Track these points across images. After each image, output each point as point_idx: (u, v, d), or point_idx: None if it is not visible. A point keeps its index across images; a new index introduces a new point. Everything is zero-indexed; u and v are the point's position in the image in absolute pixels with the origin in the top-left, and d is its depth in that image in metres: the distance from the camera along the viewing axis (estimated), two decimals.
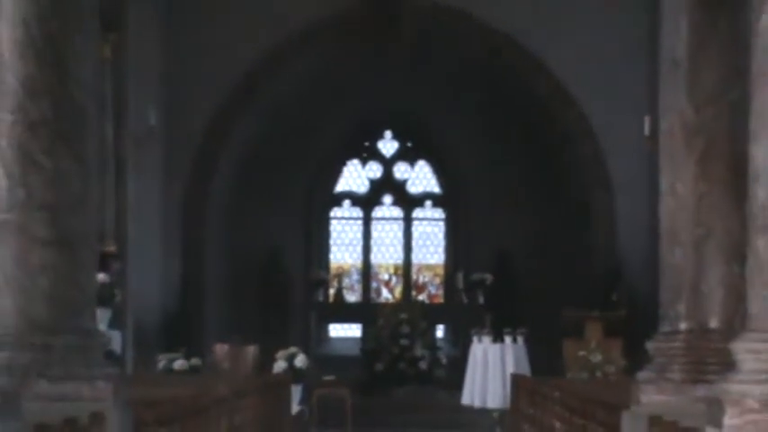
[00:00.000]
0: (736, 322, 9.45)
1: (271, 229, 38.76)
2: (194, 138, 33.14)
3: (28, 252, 10.54)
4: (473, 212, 40.76)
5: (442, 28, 33.88)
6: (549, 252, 37.77)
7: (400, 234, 42.77)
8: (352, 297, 42.61)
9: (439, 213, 42.58)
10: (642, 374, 11.77)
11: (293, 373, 29.31)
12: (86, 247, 11.49)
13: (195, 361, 27.61)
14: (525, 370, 28.24)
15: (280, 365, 29.43)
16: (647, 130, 26.58)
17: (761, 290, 8.27)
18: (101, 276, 15.27)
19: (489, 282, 39.51)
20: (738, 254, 9.66)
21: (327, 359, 37.80)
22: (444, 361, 38.09)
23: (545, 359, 28.97)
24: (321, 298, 41.60)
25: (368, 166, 42.33)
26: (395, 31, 34.02)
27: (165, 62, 31.10)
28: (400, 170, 42.36)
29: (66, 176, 10.83)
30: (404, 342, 38.44)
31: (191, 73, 31.91)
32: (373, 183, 42.37)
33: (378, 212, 42.63)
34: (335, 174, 41.94)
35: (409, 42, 34.82)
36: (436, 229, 42.70)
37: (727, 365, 8.66)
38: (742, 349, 8.44)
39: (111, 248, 22.56)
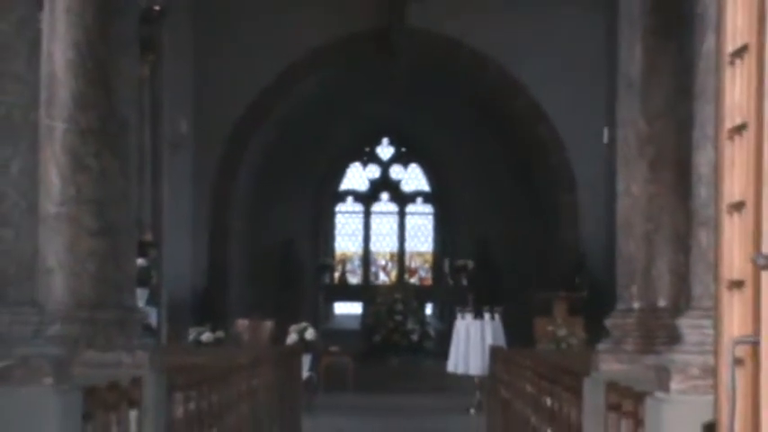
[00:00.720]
0: (681, 302, 9.48)
1: (285, 222, 38.72)
2: (219, 144, 33.17)
3: (77, 240, 10.49)
4: (458, 208, 40.72)
5: (433, 51, 33.87)
6: (522, 242, 37.74)
7: (395, 226, 42.71)
8: (353, 280, 42.58)
9: (428, 209, 42.53)
10: (601, 346, 11.77)
11: (304, 345, 29.32)
12: (127, 235, 11.53)
13: (219, 334, 27.62)
14: (501, 342, 28.28)
15: (292, 338, 29.46)
16: (605, 140, 26.61)
17: (702, 275, 8.31)
18: (139, 261, 15.28)
19: (471, 267, 39.40)
20: (683, 245, 9.68)
21: (333, 332, 37.80)
22: (432, 334, 38.19)
23: (518, 333, 28.97)
24: (327, 280, 41.67)
25: (368, 168, 42.28)
26: (393, 55, 34.01)
27: (194, 79, 31.10)
28: (395, 171, 42.32)
29: (110, 176, 10.86)
30: (398, 318, 38.57)
31: (216, 89, 31.91)
32: (372, 182, 42.34)
33: (376, 207, 42.59)
34: (340, 174, 41.91)
35: (405, 63, 34.80)
36: (426, 222, 42.65)
37: (673, 339, 8.68)
38: (686, 325, 8.48)
39: (149, 237, 22.59)
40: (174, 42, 26.15)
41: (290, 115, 36.15)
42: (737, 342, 5.49)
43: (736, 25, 5.64)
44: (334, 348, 35.16)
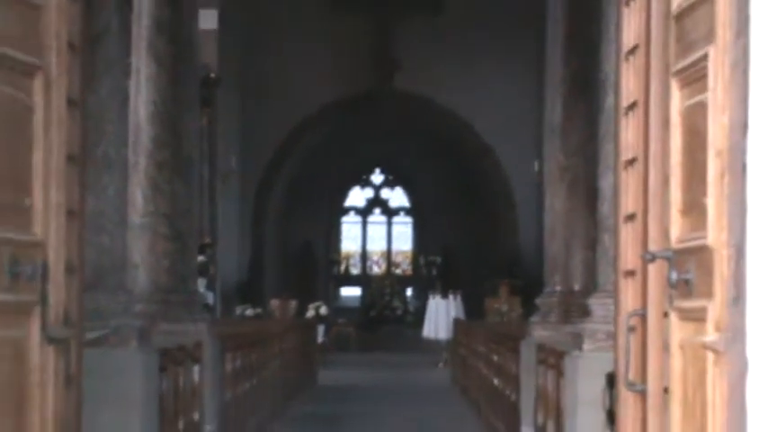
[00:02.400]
0: (591, 286, 9.50)
1: (305, 229, 38.84)
2: (258, 174, 33.26)
3: (155, 243, 10.48)
4: (430, 219, 40.87)
5: (411, 106, 33.88)
6: (476, 244, 37.79)
7: (384, 232, 42.86)
8: (355, 271, 42.68)
9: (408, 219, 42.65)
10: (533, 318, 11.77)
11: (318, 318, 29.40)
12: (191, 239, 11.55)
13: (258, 310, 27.67)
14: (461, 315, 28.32)
15: (310, 313, 29.53)
16: (536, 169, 26.62)
17: (605, 267, 8.32)
18: (200, 258, 15.29)
19: (439, 262, 39.71)
20: (592, 245, 9.68)
21: (339, 309, 37.84)
22: (412, 310, 38.42)
23: (473, 309, 28.98)
24: (336, 272, 41.86)
25: (364, 190, 42.48)
26: (383, 108, 34.06)
27: (240, 128, 31.12)
28: (384, 193, 42.52)
29: (178, 196, 10.87)
30: (387, 299, 38.94)
31: (255, 134, 31.96)
32: (368, 201, 42.55)
33: (370, 219, 42.73)
34: (344, 195, 42.04)
35: (391, 114, 34.88)
36: (407, 230, 42.75)
37: (585, 313, 8.69)
38: (594, 303, 8.48)
39: (207, 240, 22.57)
40: (224, 100, 26.15)
41: (308, 152, 36.23)
42: (630, 314, 5.50)
43: (629, 88, 5.65)
44: (340, 320, 35.39)
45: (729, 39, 4.25)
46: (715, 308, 4.33)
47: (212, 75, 23.28)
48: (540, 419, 9.95)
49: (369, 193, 42.64)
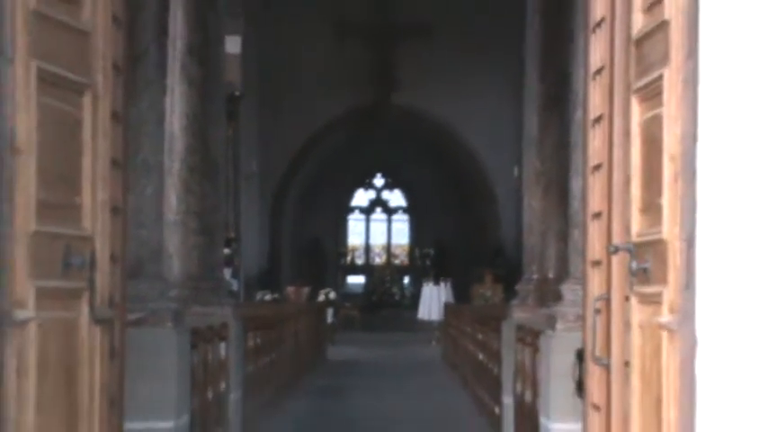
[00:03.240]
0: (563, 275, 9.50)
1: (316, 226, 38.83)
2: (275, 177, 33.20)
3: (187, 237, 10.46)
4: (424, 217, 40.87)
5: (408, 118, 33.86)
6: (464, 238, 37.81)
7: (385, 228, 42.85)
8: (359, 261, 42.68)
9: (406, 217, 42.68)
10: (513, 302, 11.75)
11: (328, 302, 29.40)
12: (218, 233, 11.54)
13: (276, 295, 27.65)
14: (451, 300, 28.31)
15: (321, 298, 29.53)
16: (515, 174, 26.62)
17: (575, 258, 8.31)
18: (226, 250, 15.29)
19: (432, 254, 39.67)
20: (564, 239, 9.68)
21: (346, 295, 37.93)
22: (408, 295, 38.36)
23: (461, 294, 28.97)
24: (343, 262, 41.82)
25: (367, 192, 42.49)
26: (383, 120, 34.04)
27: (260, 136, 31.07)
28: (385, 194, 42.53)
29: (207, 196, 10.87)
30: (387, 285, 39.00)
31: (273, 143, 31.91)
32: (370, 201, 42.57)
33: (373, 217, 42.76)
34: (350, 196, 42.05)
35: (390, 126, 34.86)
36: (404, 226, 42.78)
37: (558, 297, 8.69)
38: (566, 289, 8.47)
39: (232, 235, 22.56)
40: (246, 113, 26.14)
41: (319, 158, 36.22)
42: (597, 299, 5.50)
43: (595, 103, 5.65)
44: (347, 304, 35.47)
45: (681, 61, 4.26)
46: (669, 293, 4.35)
47: (236, 92, 23.28)
48: (519, 389, 9.95)
49: (371, 194, 42.70)
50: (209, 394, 9.41)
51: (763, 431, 3.96)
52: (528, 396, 9.30)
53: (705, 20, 4.14)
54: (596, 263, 5.58)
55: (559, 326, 8.11)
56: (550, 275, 10.57)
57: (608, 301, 5.23)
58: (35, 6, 4.44)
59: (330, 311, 29.47)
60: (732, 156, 4.03)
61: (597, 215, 5.58)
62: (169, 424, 7.58)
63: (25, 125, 4.38)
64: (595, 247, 5.62)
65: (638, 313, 4.79)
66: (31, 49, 4.42)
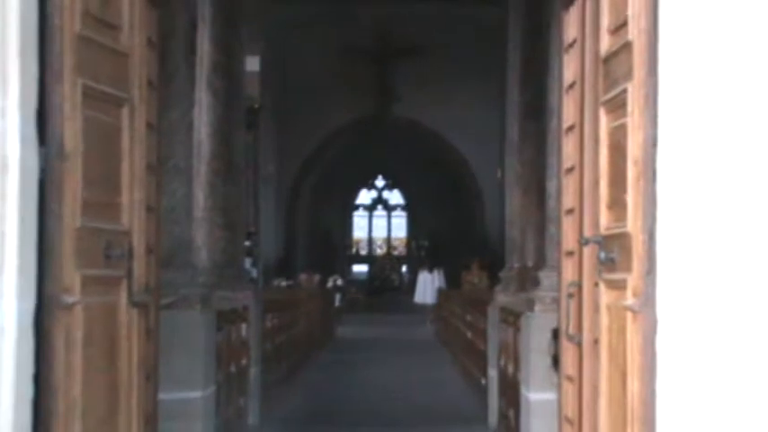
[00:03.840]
0: (541, 263, 9.50)
1: (326, 220, 38.88)
2: (290, 178, 33.24)
3: (213, 231, 10.42)
4: (419, 213, 40.93)
5: (405, 126, 33.85)
6: (455, 232, 37.80)
7: (385, 224, 42.87)
8: (363, 252, 42.70)
9: (403, 214, 42.71)
10: (497, 287, 11.75)
11: (336, 288, 29.46)
12: (240, 228, 11.54)
13: (290, 282, 27.69)
14: (443, 286, 28.34)
15: (330, 284, 29.56)
16: (499, 175, 26.63)
17: (551, 248, 8.31)
18: (247, 242, 15.31)
19: (426, 245, 39.67)
20: (541, 232, 9.67)
21: (352, 281, 37.97)
22: (406, 282, 38.35)
23: (452, 281, 29.02)
24: (349, 253, 41.83)
25: (370, 192, 42.53)
26: (383, 129, 34.04)
27: (276, 143, 31.05)
28: (385, 194, 42.56)
29: (231, 195, 10.86)
30: (387, 273, 39.01)
31: (288, 149, 31.94)
32: (373, 200, 42.64)
33: (375, 213, 42.76)
34: (355, 195, 42.07)
35: (390, 134, 34.85)
36: (402, 221, 42.81)
37: (536, 283, 8.69)
38: (543, 276, 8.45)
39: (252, 229, 22.53)
40: (265, 123, 26.09)
41: (327, 162, 36.24)
42: (570, 285, 5.51)
43: (568, 114, 5.66)
44: (352, 290, 35.41)
45: (643, 77, 4.27)
46: (632, 279, 4.35)
47: (255, 105, 23.25)
48: (502, 363, 9.96)
49: (373, 193, 42.75)
50: (233, 368, 9.41)
51: (715, 400, 3.97)
52: (510, 369, 9.31)
53: (664, 41, 4.15)
54: (569, 253, 5.58)
55: (537, 308, 8.10)
56: (529, 264, 10.57)
57: (580, 286, 5.24)
58: (80, 31, 4.44)
59: (338, 296, 29.54)
60: (687, 159, 4.04)
61: (570, 211, 5.58)
62: (198, 394, 7.59)
63: (72, 134, 4.39)
64: (569, 240, 5.62)
65: (605, 297, 4.79)
66: (77, 68, 4.42)
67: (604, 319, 4.80)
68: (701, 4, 3.99)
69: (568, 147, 5.63)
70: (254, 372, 10.66)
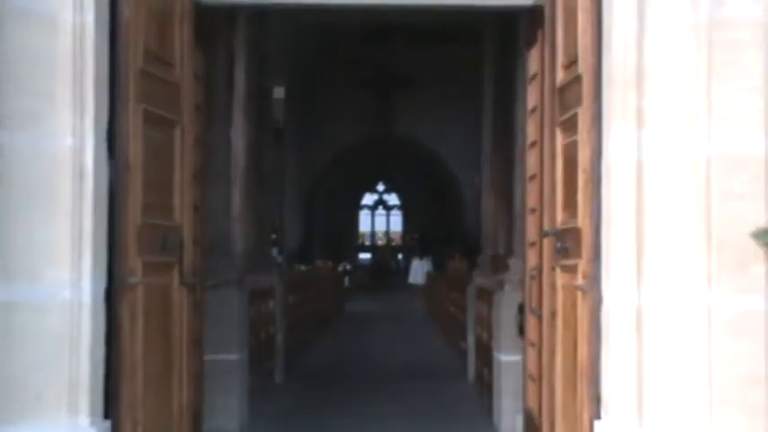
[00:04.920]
0: (509, 252, 9.46)
1: (338, 217, 38.76)
2: (309, 184, 33.13)
3: (246, 226, 9.91)
4: (413, 212, 40.82)
5: (403, 141, 33.76)
6: (441, 227, 37.67)
7: (385, 220, 42.78)
8: (367, 243, 42.61)
9: (400, 213, 42.55)
10: (474, 272, 11.70)
11: (345, 272, 29.38)
12: (268, 224, 11.51)
13: (309, 267, 27.61)
14: (431, 270, 28.29)
15: (340, 268, 29.48)
16: (476, 182, 26.55)
17: (518, 240, 8.28)
18: (273, 235, 15.28)
19: (418, 238, 39.57)
20: (510, 227, 9.62)
21: (358, 266, 37.78)
22: (401, 267, 38.18)
23: (439, 266, 28.94)
24: (356, 243, 41.73)
25: (373, 195, 42.38)
26: (384, 144, 33.96)
27: (298, 156, 30.96)
28: (385, 197, 42.41)
29: (261, 197, 10.81)
30: (386, 259, 38.84)
31: (307, 161, 31.82)
32: (375, 201, 42.44)
33: (377, 212, 42.61)
34: (360, 197, 41.96)
35: (390, 148, 34.75)
36: (399, 219, 42.66)
37: (506, 268, 8.68)
38: (511, 262, 8.40)
39: (277, 224, 22.48)
40: (289, 140, 25.98)
41: (339, 171, 36.13)
42: (532, 269, 5.53)
43: (531, 132, 5.67)
44: (359, 273, 35.32)
45: (590, 103, 4.29)
46: (582, 264, 4.37)
47: (281, 125, 23.18)
48: (478, 332, 9.96)
49: (375, 196, 42.58)
50: (262, 336, 9.43)
51: (647, 360, 3.98)
52: (485, 336, 9.31)
53: (605, 76, 4.18)
54: (532, 244, 5.58)
55: (507, 288, 8.07)
56: (500, 252, 10.51)
57: (540, 270, 5.24)
58: (142, 66, 4.46)
59: (347, 278, 29.48)
60: (624, 168, 4.06)
61: (533, 210, 5.59)
62: (235, 356, 7.59)
63: (134, 150, 4.41)
64: (531, 233, 5.63)
65: (560, 279, 4.80)
66: (139, 96, 4.44)
67: (560, 297, 4.82)
68: (633, 47, 4.01)
69: (531, 159, 5.64)
70: (279, 338, 10.68)
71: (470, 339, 10.71)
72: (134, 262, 4.39)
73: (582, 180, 4.36)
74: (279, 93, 15.69)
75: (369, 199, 42.43)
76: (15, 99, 3.91)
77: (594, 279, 4.17)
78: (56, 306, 3.98)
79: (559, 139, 4.86)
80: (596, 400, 4.11)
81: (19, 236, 3.91)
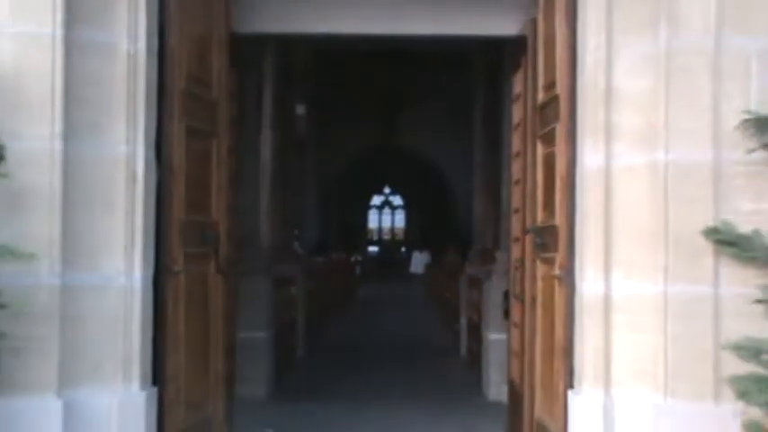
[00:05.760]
0: (497, 246, 9.44)
1: (350, 216, 38.59)
2: (326, 187, 32.98)
3: (273, 223, 9.95)
4: (414, 212, 40.69)
5: (406, 152, 33.71)
6: (438, 224, 37.53)
7: (390, 218, 42.62)
8: (375, 238, 42.47)
9: (403, 212, 42.39)
10: (467, 263, 11.66)
11: (357, 262, 29.29)
12: (291, 221, 11.49)
13: (326, 258, 27.54)
14: (429, 261, 28.22)
15: (352, 259, 29.38)
16: (469, 186, 26.48)
17: (505, 236, 8.24)
18: (295, 231, 15.29)
19: (418, 234, 39.34)
20: (497, 224, 9.61)
21: (368, 258, 37.61)
22: (404, 258, 37.93)
23: (436, 258, 28.85)
24: (366, 238, 41.48)
25: (380, 197, 42.14)
26: (390, 154, 33.87)
27: (316, 164, 30.83)
28: (390, 198, 42.22)
29: (285, 198, 10.81)
30: (391, 252, 38.51)
31: (324, 167, 31.72)
32: (381, 202, 42.20)
33: (384, 211, 42.42)
34: (370, 199, 41.81)
35: (395, 157, 34.64)
36: (402, 217, 42.44)
37: (494, 260, 8.64)
38: (498, 255, 8.39)
39: (299, 222, 22.41)
40: (309, 150, 25.89)
41: (351, 178, 36.00)
42: (516, 261, 5.53)
43: (516, 144, 5.67)
44: (368, 263, 35.07)
45: (566, 120, 4.30)
46: (558, 257, 4.38)
47: (302, 138, 23.04)
48: (469, 314, 9.96)
49: (382, 198, 42.42)
50: (286, 317, 9.43)
51: (614, 337, 4.00)
52: (475, 318, 9.31)
53: (579, 96, 4.20)
54: (516, 239, 5.59)
55: (494, 277, 8.06)
56: (489, 246, 10.51)
57: (523, 262, 5.23)
58: (185, 87, 4.49)
59: (358, 267, 29.40)
60: (594, 175, 4.08)
61: (516, 210, 5.60)
62: (263, 334, 7.62)
63: (178, 157, 4.42)
64: (515, 230, 5.63)
65: (540, 269, 4.81)
66: (182, 112, 4.45)
67: (539, 285, 4.82)
68: (602, 72, 4.03)
69: (515, 167, 5.64)
70: (300, 319, 10.68)
71: (463, 320, 10.69)
72: (177, 253, 4.40)
73: (559, 185, 4.38)
74: (300, 109, 15.68)
75: (377, 200, 42.23)
76: (79, 114, 3.95)
77: (569, 270, 4.19)
78: (112, 290, 4.01)
79: (540, 150, 4.86)
80: (570, 372, 4.13)
81: (82, 230, 3.94)
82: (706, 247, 3.79)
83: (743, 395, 3.51)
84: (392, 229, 43.20)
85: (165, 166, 4.30)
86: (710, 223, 3.77)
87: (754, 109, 3.72)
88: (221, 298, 5.00)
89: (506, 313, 5.93)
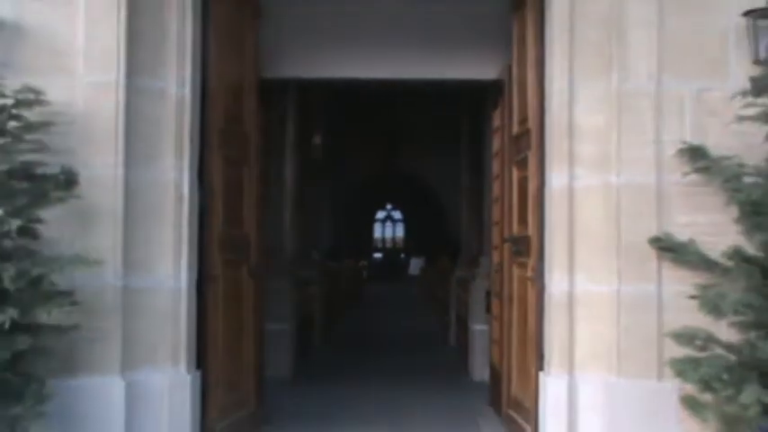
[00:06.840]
0: (481, 252, 9.37)
1: (358, 228, 38.29)
2: (338, 205, 32.87)
3: (294, 234, 9.67)
4: (412, 225, 40.51)
5: (406, 175, 33.63)
6: (431, 234, 37.32)
7: (391, 230, 42.38)
8: (379, 246, 42.25)
9: (402, 225, 42.21)
10: (456, 267, 11.60)
11: (363, 266, 29.07)
12: (310, 232, 11.40)
13: (338, 263, 27.38)
14: (424, 266, 28.07)
15: (360, 264, 29.21)
16: (457, 202, 26.37)
17: (487, 244, 8.15)
18: (313, 241, 15.18)
19: (415, 243, 39.10)
20: (481, 235, 9.47)
21: (373, 263, 37.42)
22: (403, 263, 37.75)
23: (430, 263, 28.69)
24: (371, 246, 41.12)
25: (383, 212, 41.94)
26: (390, 176, 33.77)
27: (331, 185, 30.70)
28: (392, 213, 41.98)
29: (304, 215, 10.72)
30: (393, 258, 38.18)
31: (338, 188, 31.62)
32: (384, 216, 42.00)
33: (386, 225, 42.28)
34: (374, 213, 41.62)
35: (395, 180, 34.53)
36: (402, 229, 42.23)
37: (478, 264, 8.59)
38: (482, 260, 8.27)
39: (315, 233, 22.27)
40: (324, 174, 25.77)
41: (357, 197, 35.83)
42: (496, 265, 5.55)
43: (495, 169, 5.66)
44: (373, 268, 34.80)
45: (536, 149, 4.35)
46: (531, 261, 4.40)
47: (319, 163, 22.78)
48: (458, 309, 9.92)
49: (385, 213, 42.22)
50: (305, 312, 9.39)
51: (578, 326, 4.03)
52: (462, 312, 9.26)
53: (547, 130, 4.25)
54: (496, 247, 5.60)
55: (478, 279, 7.99)
56: (474, 253, 10.43)
57: (502, 266, 5.24)
58: (222, 126, 4.54)
59: (365, 271, 29.23)
60: (560, 194, 4.12)
61: (496, 223, 5.62)
62: (286, 327, 7.59)
63: (216, 180, 4.45)
64: (496, 239, 5.64)
65: (516, 272, 4.82)
66: (220, 145, 4.49)
67: (515, 285, 4.84)
68: (566, 110, 4.07)
69: (495, 187, 5.66)
70: (317, 314, 10.65)
71: (452, 314, 10.67)
72: (216, 260, 4.43)
73: (531, 202, 4.42)
74: (317, 139, 15.73)
75: (380, 215, 42.02)
76: (137, 146, 4.02)
77: (540, 272, 4.23)
78: (163, 291, 4.07)
79: (515, 174, 4.90)
80: (540, 357, 4.16)
81: (139, 241, 4.01)
82: (651, 253, 3.85)
83: (680, 374, 3.59)
84: (393, 239, 43.20)
85: (207, 189, 4.35)
86: (654, 233, 3.85)
87: (688, 140, 3.83)
88: (252, 297, 5.01)
89: (488, 308, 5.96)
